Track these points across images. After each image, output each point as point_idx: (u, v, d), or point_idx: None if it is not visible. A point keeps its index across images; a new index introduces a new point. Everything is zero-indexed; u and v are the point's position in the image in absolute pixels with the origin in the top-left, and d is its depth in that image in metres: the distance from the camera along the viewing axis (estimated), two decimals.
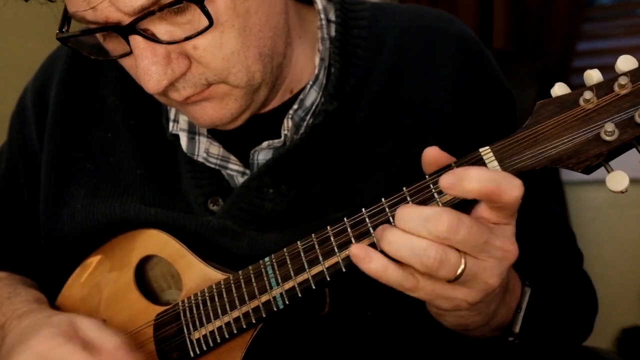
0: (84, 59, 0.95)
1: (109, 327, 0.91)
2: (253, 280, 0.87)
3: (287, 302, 0.84)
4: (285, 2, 0.94)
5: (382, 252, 0.73)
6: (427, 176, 0.76)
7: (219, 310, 0.89)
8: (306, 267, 0.82)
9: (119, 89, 1.08)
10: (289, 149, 0.97)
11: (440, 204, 0.75)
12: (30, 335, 0.88)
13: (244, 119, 0.96)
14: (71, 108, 1.10)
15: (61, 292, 1.08)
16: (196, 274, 0.95)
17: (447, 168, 0.76)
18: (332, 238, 0.81)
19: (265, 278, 0.86)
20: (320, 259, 0.81)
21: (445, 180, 0.70)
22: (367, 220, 0.78)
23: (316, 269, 0.82)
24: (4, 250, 1.16)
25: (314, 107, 1.00)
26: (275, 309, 0.85)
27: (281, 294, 0.84)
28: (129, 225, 1.02)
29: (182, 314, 0.93)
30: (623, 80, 0.69)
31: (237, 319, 0.88)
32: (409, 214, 0.70)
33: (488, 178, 0.68)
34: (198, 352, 0.91)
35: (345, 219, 0.80)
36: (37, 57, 1.20)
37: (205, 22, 0.82)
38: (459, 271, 0.71)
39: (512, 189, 0.69)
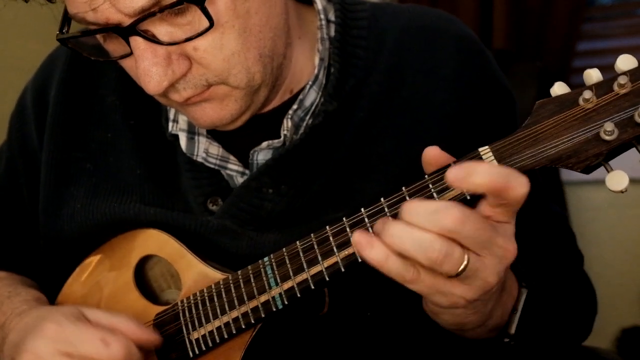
0: (83, 59, 0.95)
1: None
2: (252, 280, 0.87)
3: (286, 302, 0.84)
4: (285, 3, 0.94)
5: None
6: (426, 176, 0.76)
7: (218, 311, 0.89)
8: (305, 267, 0.82)
9: (118, 89, 1.08)
10: (288, 149, 0.97)
11: (430, 200, 0.74)
12: (39, 324, 0.88)
13: (244, 120, 0.96)
14: (71, 108, 1.10)
15: (61, 292, 1.08)
16: (195, 273, 0.95)
17: (446, 168, 0.76)
18: (331, 238, 0.81)
19: (264, 278, 0.86)
20: (319, 259, 0.81)
21: (452, 174, 0.68)
22: (366, 220, 0.78)
23: (315, 269, 0.82)
24: (3, 250, 1.16)
25: (313, 107, 1.00)
26: (274, 309, 0.85)
27: (280, 294, 0.84)
28: (128, 225, 1.02)
29: (181, 314, 0.93)
30: (622, 79, 0.69)
31: (236, 319, 0.88)
32: (417, 207, 0.69)
33: (498, 173, 0.68)
34: (197, 352, 0.91)
35: (344, 218, 0.80)
36: (37, 57, 1.20)
37: (205, 23, 0.82)
38: (462, 267, 0.71)
39: (520, 185, 0.69)
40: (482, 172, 0.68)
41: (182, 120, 1.02)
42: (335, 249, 0.80)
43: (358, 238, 0.72)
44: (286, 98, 1.02)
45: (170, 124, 1.03)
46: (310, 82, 1.00)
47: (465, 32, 1.06)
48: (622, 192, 0.70)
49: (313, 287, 0.82)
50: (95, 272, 1.06)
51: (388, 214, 0.77)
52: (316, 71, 1.00)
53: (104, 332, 0.85)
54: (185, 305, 0.93)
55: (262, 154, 1.00)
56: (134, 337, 0.87)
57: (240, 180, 1.02)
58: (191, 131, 1.02)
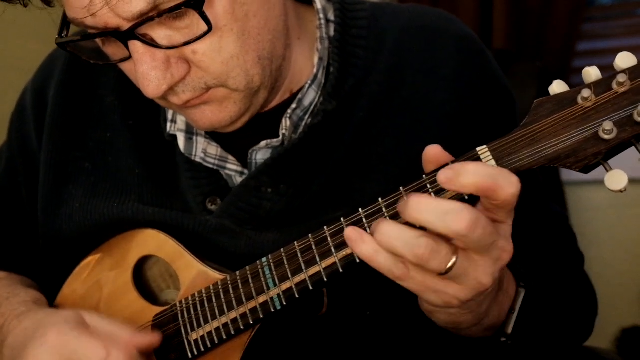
0: (83, 62, 0.95)
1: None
2: (250, 281, 0.87)
3: (285, 303, 0.84)
4: (284, 4, 0.94)
5: None
6: (424, 175, 0.76)
7: (217, 311, 0.89)
8: (303, 267, 0.82)
9: (117, 89, 1.08)
10: (287, 148, 0.97)
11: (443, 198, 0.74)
12: (41, 330, 0.88)
13: (243, 122, 0.96)
14: (70, 108, 1.10)
15: (60, 292, 1.08)
16: (194, 274, 0.95)
17: (444, 167, 0.75)
18: (329, 238, 0.80)
19: (262, 279, 0.86)
20: (318, 259, 0.81)
21: (443, 175, 0.68)
22: (364, 220, 0.78)
23: (313, 270, 0.81)
24: (3, 250, 1.16)
25: (312, 107, 1.00)
26: (272, 310, 0.85)
27: (278, 294, 0.84)
28: (127, 224, 1.02)
29: (180, 315, 0.93)
30: (622, 77, 0.69)
31: (234, 320, 0.88)
32: (427, 205, 0.68)
33: (485, 173, 0.68)
34: (196, 352, 0.91)
35: (342, 219, 0.80)
36: (37, 58, 1.20)
37: (204, 27, 0.82)
38: (450, 264, 0.71)
39: (509, 185, 0.68)
40: (470, 172, 0.68)
41: (181, 120, 1.02)
42: (333, 250, 0.80)
43: (349, 233, 0.73)
44: (285, 98, 1.02)
45: (169, 124, 1.03)
46: (309, 82, 1.00)
47: (465, 32, 1.06)
48: (621, 191, 0.69)
49: (311, 288, 0.82)
50: (94, 272, 1.06)
51: (386, 214, 0.76)
52: (315, 70, 1.00)
53: (106, 341, 0.85)
54: (184, 306, 0.93)
55: (260, 154, 1.00)
56: (135, 343, 0.87)
57: (239, 179, 1.02)
58: (189, 131, 1.02)
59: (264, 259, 0.86)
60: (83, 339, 0.85)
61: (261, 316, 0.86)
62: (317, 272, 0.81)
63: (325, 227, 0.81)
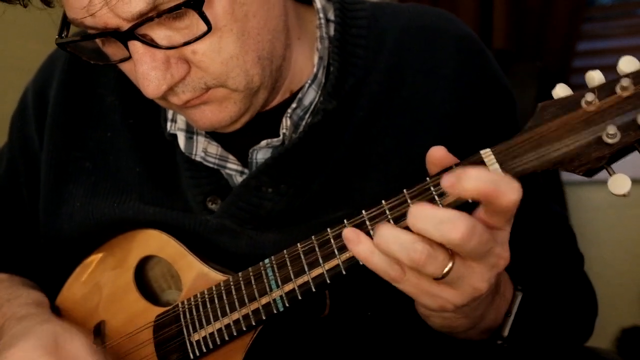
0: (83, 63, 0.95)
1: (106, 329, 0.91)
2: (253, 282, 0.87)
3: (287, 305, 0.84)
4: (284, 4, 0.94)
5: None
6: (427, 178, 0.76)
7: (219, 312, 0.89)
8: (306, 269, 0.82)
9: (118, 89, 1.08)
10: (287, 148, 0.97)
11: (442, 206, 0.74)
12: (16, 342, 0.88)
13: (243, 122, 0.96)
14: (70, 108, 1.10)
15: (61, 292, 1.08)
16: (196, 274, 0.95)
17: (448, 169, 0.76)
18: (332, 240, 0.80)
19: (265, 280, 0.86)
20: (321, 261, 0.81)
21: (446, 180, 0.68)
22: (367, 222, 0.78)
23: (316, 272, 0.82)
24: (4, 251, 1.16)
25: (312, 106, 1.00)
26: (275, 312, 0.85)
27: (281, 296, 0.84)
28: (127, 224, 1.02)
29: (182, 316, 0.93)
30: (625, 82, 0.69)
31: (236, 321, 0.88)
32: (423, 212, 0.68)
33: (487, 179, 0.68)
34: (198, 354, 0.91)
35: (345, 220, 0.79)
36: (37, 58, 1.20)
37: (203, 27, 0.82)
38: (446, 269, 0.71)
39: (511, 191, 0.68)
40: (471, 177, 0.67)
41: (181, 120, 1.02)
42: (336, 252, 0.80)
43: (347, 233, 0.74)
44: (286, 97, 1.02)
45: (169, 124, 1.03)
46: (309, 81, 1.00)
47: (465, 32, 1.06)
48: (624, 195, 0.69)
49: (314, 290, 0.82)
50: (95, 272, 1.06)
51: (389, 216, 0.76)
52: (315, 70, 1.00)
53: None
54: (186, 306, 0.93)
55: (261, 153, 1.00)
56: None
57: (239, 179, 1.02)
58: (190, 131, 1.02)
59: (266, 261, 0.86)
60: None
61: (263, 318, 0.86)
62: (320, 274, 0.81)
63: (328, 229, 0.81)
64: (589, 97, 0.70)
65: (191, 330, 0.91)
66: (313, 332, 0.96)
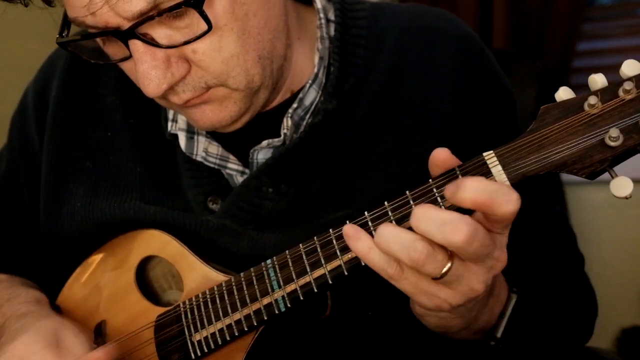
0: (83, 62, 0.95)
1: (107, 329, 0.92)
2: (255, 282, 0.87)
3: (289, 305, 0.84)
4: (284, 4, 0.94)
5: None
6: (430, 180, 0.76)
7: (221, 312, 0.89)
8: (308, 270, 0.82)
9: (118, 89, 1.08)
10: (288, 148, 0.97)
11: (444, 208, 0.74)
12: (17, 336, 0.90)
13: (243, 122, 0.97)
14: (71, 108, 1.10)
15: (61, 292, 1.08)
16: (197, 275, 0.95)
17: (450, 171, 0.76)
18: (334, 241, 0.81)
19: (267, 280, 0.86)
20: (323, 262, 0.81)
21: (447, 189, 0.70)
22: (369, 223, 0.78)
23: (318, 272, 0.82)
24: (4, 251, 1.16)
25: (313, 106, 1.00)
26: (277, 312, 0.85)
27: (283, 296, 0.84)
28: (128, 224, 1.03)
29: (183, 316, 0.93)
30: (628, 85, 0.69)
31: (238, 322, 0.88)
32: (426, 214, 0.69)
33: (483, 190, 0.68)
34: (199, 354, 0.91)
35: (347, 221, 0.80)
36: (37, 58, 1.20)
37: (204, 26, 0.82)
38: (445, 269, 0.71)
39: (508, 202, 0.69)
40: (467, 188, 0.68)
41: (181, 119, 1.02)
42: (338, 252, 0.80)
43: (347, 230, 0.75)
44: (286, 97, 1.02)
45: (170, 124, 1.03)
46: (310, 81, 1.00)
47: (465, 32, 1.06)
48: (626, 198, 0.70)
49: (316, 290, 0.82)
50: (96, 272, 1.06)
51: (392, 217, 0.77)
52: (316, 70, 1.00)
53: None
54: (188, 306, 0.93)
55: (262, 153, 1.00)
56: None
57: (240, 179, 1.02)
58: (190, 130, 1.02)
59: (268, 261, 0.86)
60: (42, 355, 0.87)
61: (265, 318, 0.86)
62: (322, 275, 0.81)
63: (330, 230, 0.81)
64: (592, 100, 0.71)
65: (192, 330, 0.91)
66: (314, 332, 0.96)
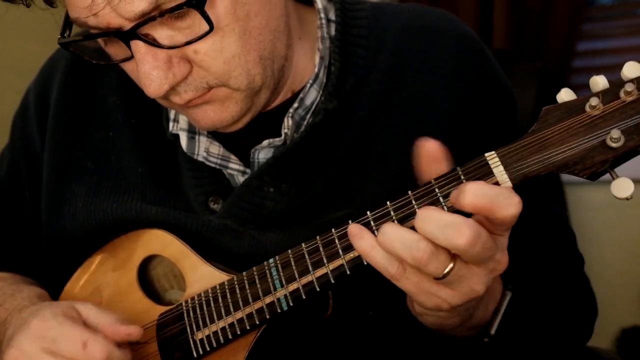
0: (85, 62, 0.95)
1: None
2: (257, 281, 0.87)
3: (291, 304, 0.85)
4: (285, 5, 0.95)
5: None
6: (432, 180, 0.77)
7: (223, 311, 0.89)
8: (310, 269, 0.83)
9: (119, 89, 1.08)
10: (289, 147, 0.98)
11: (446, 208, 0.75)
12: (30, 319, 0.89)
13: (245, 122, 0.97)
14: (72, 108, 1.10)
15: (63, 291, 1.08)
16: (200, 274, 0.95)
17: (452, 172, 0.76)
18: (336, 240, 0.81)
19: (269, 279, 0.86)
20: (325, 261, 0.81)
21: (452, 195, 0.71)
22: (372, 223, 0.78)
23: (320, 271, 0.82)
24: (6, 251, 1.16)
25: (314, 106, 1.00)
26: (279, 311, 0.86)
27: (285, 295, 0.85)
28: (130, 224, 1.03)
29: (185, 314, 0.93)
30: (629, 87, 0.70)
31: (240, 320, 0.88)
32: (430, 216, 0.70)
33: (484, 194, 0.69)
34: (201, 352, 0.91)
35: (350, 221, 0.80)
36: (36, 58, 1.20)
37: (205, 26, 0.82)
38: (447, 270, 0.72)
39: (509, 206, 0.69)
40: (467, 192, 0.69)
41: (183, 120, 1.02)
42: (340, 252, 0.80)
43: (352, 229, 0.75)
44: (287, 97, 1.02)
45: (171, 124, 1.03)
46: (310, 81, 1.00)
47: (465, 32, 1.06)
48: (627, 199, 0.70)
49: (318, 290, 0.83)
50: (98, 272, 1.06)
51: (394, 217, 0.77)
52: (316, 70, 1.00)
53: (86, 333, 0.86)
54: (190, 305, 0.93)
55: (263, 153, 1.00)
56: (116, 335, 0.88)
57: (241, 179, 1.02)
58: (192, 131, 1.02)
59: (270, 260, 0.87)
60: (64, 327, 0.86)
61: (267, 316, 0.86)
62: (325, 274, 0.82)
63: (332, 229, 0.82)
64: (594, 101, 0.71)
65: (195, 329, 0.92)
66: (316, 331, 0.97)
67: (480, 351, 0.97)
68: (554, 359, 1.04)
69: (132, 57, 0.86)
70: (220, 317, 0.89)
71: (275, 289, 0.85)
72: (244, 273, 0.89)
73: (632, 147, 0.70)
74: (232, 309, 0.89)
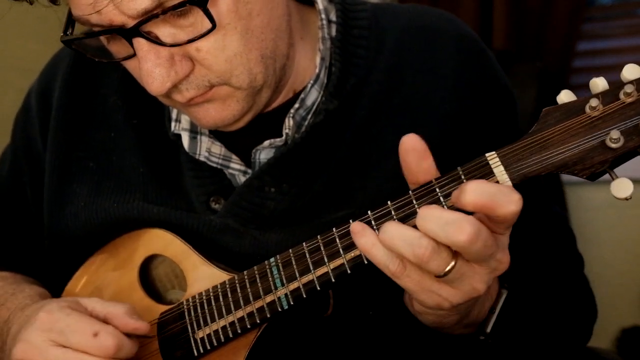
0: (87, 60, 0.96)
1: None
2: (258, 280, 0.87)
3: (292, 303, 0.85)
4: (287, 4, 0.95)
5: None
6: (433, 180, 0.77)
7: (224, 310, 0.90)
8: (311, 268, 0.83)
9: (121, 89, 1.08)
10: (290, 147, 0.98)
11: (447, 207, 0.75)
12: (37, 312, 0.89)
13: (246, 121, 0.97)
14: (74, 108, 1.10)
15: (65, 291, 1.09)
16: (201, 274, 0.95)
17: (453, 172, 0.77)
18: (337, 240, 0.81)
19: (270, 278, 0.86)
20: (326, 260, 0.82)
21: (453, 194, 0.71)
22: (373, 223, 0.78)
23: (321, 270, 0.82)
24: (7, 250, 1.16)
25: (315, 106, 1.00)
26: (279, 310, 0.86)
27: (286, 294, 0.85)
28: (131, 223, 1.03)
29: (186, 313, 0.93)
30: (629, 88, 0.70)
31: (241, 319, 0.88)
32: (431, 214, 0.70)
33: (483, 192, 0.69)
34: (202, 351, 0.92)
35: (350, 220, 0.80)
36: (37, 58, 1.20)
37: (208, 24, 0.83)
38: (449, 267, 0.72)
39: (509, 203, 0.69)
40: (468, 191, 0.69)
41: (185, 119, 1.03)
42: (341, 251, 0.81)
43: (354, 227, 0.75)
44: (289, 97, 1.03)
45: (173, 124, 1.03)
46: (311, 82, 1.00)
47: (465, 32, 1.06)
48: (626, 199, 0.71)
49: (319, 289, 0.83)
50: (99, 271, 1.06)
51: (395, 216, 0.77)
52: (317, 70, 1.00)
53: (95, 323, 0.86)
54: (191, 304, 0.93)
55: (264, 153, 1.01)
56: (125, 327, 0.88)
57: (242, 179, 1.02)
58: (194, 130, 1.02)
59: (271, 259, 0.87)
60: (72, 319, 0.86)
61: (268, 315, 0.86)
62: (325, 273, 0.82)
63: (334, 229, 0.82)
64: (593, 102, 0.71)
65: (195, 328, 0.92)
66: (316, 331, 0.97)
67: (477, 349, 0.97)
68: (554, 359, 1.04)
69: (134, 55, 0.86)
70: (221, 316, 0.90)
71: (276, 288, 0.86)
72: (245, 272, 0.89)
73: (631, 148, 0.71)
74: (232, 308, 0.89)
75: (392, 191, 0.79)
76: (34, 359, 0.86)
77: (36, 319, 0.88)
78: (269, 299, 0.86)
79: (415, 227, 0.71)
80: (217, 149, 1.02)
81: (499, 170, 0.74)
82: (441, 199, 0.76)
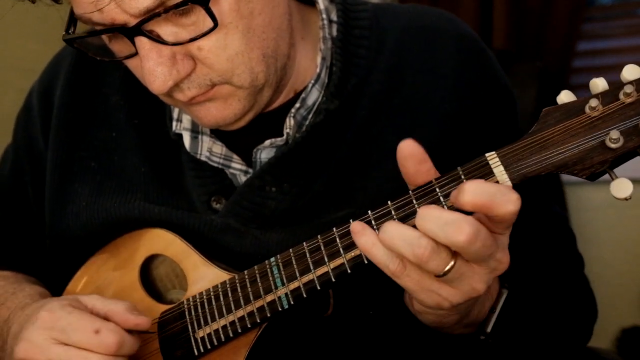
0: (88, 59, 0.96)
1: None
2: (258, 279, 0.87)
3: (292, 302, 0.85)
4: (289, 4, 0.95)
5: None
6: (433, 180, 0.77)
7: (224, 309, 0.90)
8: (312, 267, 0.83)
9: (123, 89, 1.08)
10: (291, 147, 0.98)
11: (446, 208, 0.75)
12: (35, 313, 0.90)
13: (247, 120, 0.97)
14: (75, 108, 1.10)
15: (65, 290, 1.09)
16: (202, 273, 0.95)
17: (452, 172, 0.77)
18: (337, 239, 0.81)
19: (270, 278, 0.86)
20: (326, 260, 0.82)
21: (452, 194, 0.71)
22: (373, 222, 0.79)
23: (321, 270, 0.82)
24: (9, 249, 1.16)
25: (315, 106, 1.01)
26: (280, 309, 0.86)
27: (286, 294, 0.85)
28: (133, 223, 1.03)
29: (186, 313, 0.93)
30: (629, 88, 0.70)
31: (241, 318, 0.88)
32: (429, 213, 0.70)
33: (482, 192, 0.69)
34: (202, 350, 0.92)
35: (351, 220, 0.80)
36: (37, 58, 1.20)
37: (209, 23, 0.83)
38: (448, 267, 0.72)
39: (508, 202, 0.70)
40: (466, 191, 0.69)
41: (186, 119, 1.03)
42: (342, 250, 0.81)
43: (354, 226, 0.75)
44: (290, 97, 1.03)
45: (174, 123, 1.04)
46: (312, 81, 1.00)
47: (465, 32, 1.06)
48: (626, 199, 0.71)
49: (319, 288, 0.83)
50: (100, 270, 1.06)
51: (395, 216, 0.77)
52: (318, 70, 1.00)
53: (97, 320, 0.87)
54: (191, 303, 0.93)
55: (265, 153, 1.01)
56: (126, 323, 0.88)
57: (243, 178, 1.02)
58: (195, 130, 1.02)
59: (272, 259, 0.87)
60: (73, 317, 0.87)
61: (268, 315, 0.87)
62: (325, 273, 0.82)
63: (334, 228, 0.82)
64: (593, 102, 0.72)
65: (196, 327, 0.92)
66: (316, 330, 0.97)
67: (477, 349, 0.97)
68: (554, 359, 1.04)
69: (136, 53, 0.86)
70: (221, 315, 0.90)
71: (276, 288, 0.86)
72: (246, 272, 0.89)
73: (631, 148, 0.71)
74: (233, 307, 0.89)
75: (392, 191, 0.79)
76: (36, 358, 0.86)
77: (37, 318, 0.88)
78: (269, 298, 0.86)
79: (415, 227, 0.71)
80: (219, 148, 1.02)
81: (499, 170, 0.74)
82: (441, 199, 0.76)
